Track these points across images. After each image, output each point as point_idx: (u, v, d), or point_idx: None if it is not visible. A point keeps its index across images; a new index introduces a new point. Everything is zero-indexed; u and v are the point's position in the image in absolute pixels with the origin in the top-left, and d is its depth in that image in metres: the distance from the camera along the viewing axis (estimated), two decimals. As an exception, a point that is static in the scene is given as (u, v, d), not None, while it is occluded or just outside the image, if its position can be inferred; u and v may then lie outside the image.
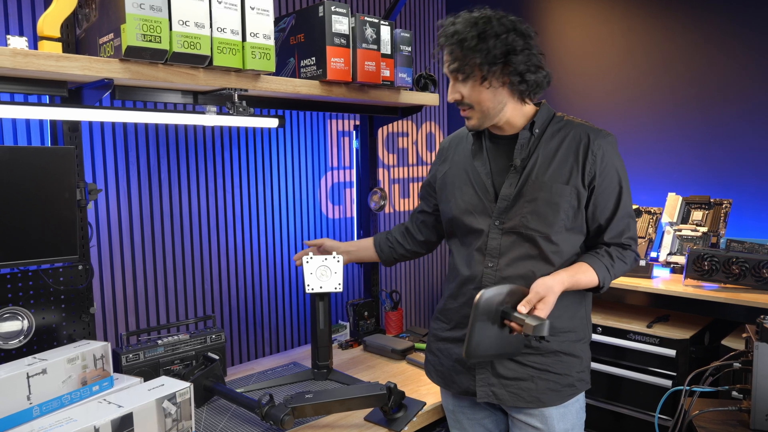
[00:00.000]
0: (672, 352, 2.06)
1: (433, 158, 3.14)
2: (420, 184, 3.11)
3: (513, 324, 1.29)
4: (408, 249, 1.79)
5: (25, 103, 1.48)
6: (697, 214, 2.38)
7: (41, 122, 1.82)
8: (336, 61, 1.80)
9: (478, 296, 1.28)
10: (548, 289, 1.32)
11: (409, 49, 2.02)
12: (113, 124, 1.97)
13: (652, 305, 2.19)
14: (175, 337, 1.88)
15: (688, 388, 1.51)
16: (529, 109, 1.46)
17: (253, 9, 1.56)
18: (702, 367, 1.59)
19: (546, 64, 1.42)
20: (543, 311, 1.29)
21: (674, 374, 2.07)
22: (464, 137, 1.60)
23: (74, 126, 1.65)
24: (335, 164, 2.67)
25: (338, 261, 1.90)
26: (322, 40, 1.79)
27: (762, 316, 1.43)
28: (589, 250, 1.49)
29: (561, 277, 1.36)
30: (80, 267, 1.67)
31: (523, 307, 1.29)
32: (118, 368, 1.73)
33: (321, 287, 1.91)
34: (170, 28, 1.41)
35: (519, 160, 1.44)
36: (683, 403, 1.52)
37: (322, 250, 1.95)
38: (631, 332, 2.17)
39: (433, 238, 1.76)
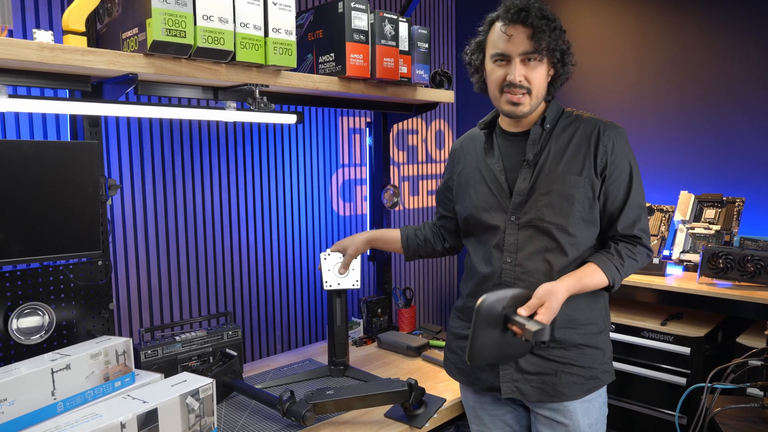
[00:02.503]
0: (686, 350, 2.06)
1: (443, 156, 3.17)
2: (430, 181, 3.11)
3: (515, 328, 1.28)
4: (437, 250, 1.77)
5: (53, 97, 1.47)
6: (709, 213, 2.38)
7: (57, 117, 1.81)
8: (355, 58, 1.80)
9: (479, 301, 1.27)
10: (550, 294, 1.31)
11: (426, 45, 2.02)
12: (128, 118, 1.96)
13: (666, 303, 2.20)
14: (192, 334, 1.88)
15: (710, 385, 1.51)
16: (541, 104, 1.48)
17: (275, 4, 1.56)
18: (717, 365, 1.59)
19: None
20: (544, 316, 1.28)
21: (688, 372, 2.07)
22: (474, 138, 1.61)
23: (95, 121, 1.64)
24: (346, 161, 2.67)
25: (356, 258, 1.89)
26: (342, 36, 1.79)
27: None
28: (602, 243, 1.49)
29: (566, 283, 1.36)
30: (100, 263, 1.67)
31: (523, 311, 1.28)
32: (137, 364, 1.73)
33: (339, 284, 1.91)
34: (194, 23, 1.41)
35: (532, 155, 1.45)
36: (705, 400, 1.52)
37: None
38: (645, 330, 2.17)
39: (459, 243, 1.74)
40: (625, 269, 1.43)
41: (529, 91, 1.40)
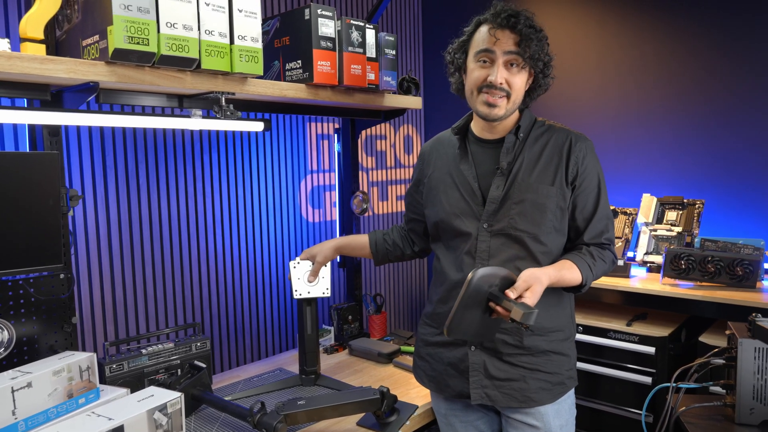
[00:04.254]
0: (651, 350, 2.11)
1: (411, 161, 3.18)
2: (398, 186, 3.12)
3: (499, 308, 1.26)
4: (407, 254, 1.78)
5: (13, 107, 1.42)
6: (671, 215, 2.44)
7: (15, 126, 1.76)
8: (323, 65, 1.79)
9: (471, 274, 1.26)
10: (536, 280, 1.32)
11: (394, 52, 2.02)
12: (90, 127, 1.91)
13: (630, 304, 2.25)
14: (159, 346, 1.84)
15: (674, 384, 1.55)
16: (515, 113, 1.50)
17: (240, 11, 1.54)
18: (681, 363, 1.64)
19: None
20: (530, 300, 1.28)
21: (653, 371, 2.12)
22: (445, 142, 1.61)
23: (55, 130, 1.59)
24: (315, 168, 2.65)
25: (326, 266, 1.88)
26: (309, 43, 1.78)
27: (753, 314, 1.48)
28: (569, 251, 1.52)
29: (548, 271, 1.37)
30: (62, 276, 1.62)
31: (511, 293, 1.27)
32: (102, 379, 1.68)
33: (309, 292, 1.90)
34: (158, 31, 1.38)
35: (505, 163, 1.46)
36: (670, 399, 1.55)
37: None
38: (610, 330, 2.21)
39: (428, 246, 1.73)
40: (596, 270, 1.46)
41: (508, 95, 1.41)
